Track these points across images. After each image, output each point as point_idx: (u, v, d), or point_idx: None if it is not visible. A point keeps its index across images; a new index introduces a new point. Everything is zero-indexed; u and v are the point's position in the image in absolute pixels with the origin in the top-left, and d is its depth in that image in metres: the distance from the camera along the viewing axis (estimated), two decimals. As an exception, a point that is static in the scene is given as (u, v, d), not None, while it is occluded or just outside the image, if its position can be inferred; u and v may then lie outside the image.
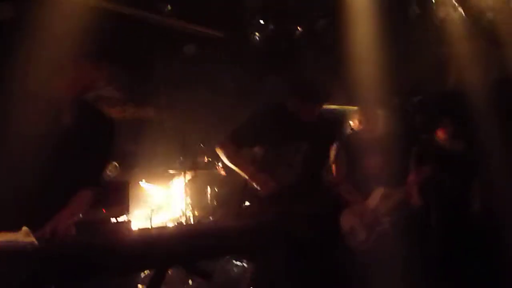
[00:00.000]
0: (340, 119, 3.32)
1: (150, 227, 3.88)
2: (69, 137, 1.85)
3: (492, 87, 3.82)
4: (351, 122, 5.92)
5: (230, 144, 2.82)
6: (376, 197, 3.30)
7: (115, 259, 1.46)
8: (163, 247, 1.63)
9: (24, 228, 1.31)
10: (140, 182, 4.51)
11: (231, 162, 2.82)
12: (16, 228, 1.32)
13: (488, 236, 3.30)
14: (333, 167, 3.60)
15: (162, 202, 4.33)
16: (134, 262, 1.56)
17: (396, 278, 2.94)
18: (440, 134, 3.72)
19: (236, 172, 2.86)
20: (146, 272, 3.51)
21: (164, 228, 3.19)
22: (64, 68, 1.83)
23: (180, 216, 4.26)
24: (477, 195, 3.49)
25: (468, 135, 3.68)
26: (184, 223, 4.03)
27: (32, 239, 1.30)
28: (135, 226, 4.04)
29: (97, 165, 1.98)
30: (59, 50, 1.82)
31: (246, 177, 2.77)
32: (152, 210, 4.21)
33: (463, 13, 3.97)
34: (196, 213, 4.08)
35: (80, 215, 1.91)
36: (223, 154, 2.83)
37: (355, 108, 5.59)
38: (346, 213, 3.30)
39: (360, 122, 4.07)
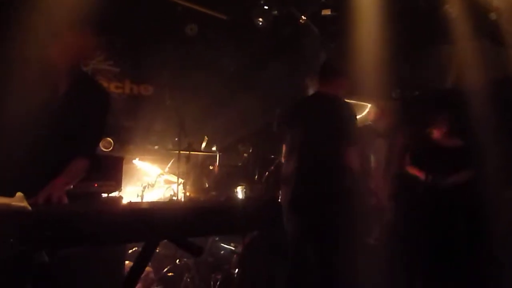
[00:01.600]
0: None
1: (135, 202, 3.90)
2: (64, 105, 1.84)
3: (492, 85, 3.83)
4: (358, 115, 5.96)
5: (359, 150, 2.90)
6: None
7: (105, 228, 1.47)
8: (155, 219, 1.64)
9: (18, 193, 1.31)
10: (133, 161, 4.51)
11: (358, 168, 2.83)
12: (9, 194, 1.32)
13: (482, 232, 3.37)
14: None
15: (154, 180, 4.33)
16: (123, 232, 1.56)
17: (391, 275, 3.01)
18: (436, 132, 3.74)
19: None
20: (134, 248, 3.58)
21: (156, 202, 3.21)
22: (61, 36, 1.81)
23: (171, 195, 4.28)
24: (474, 190, 3.52)
25: (464, 132, 3.69)
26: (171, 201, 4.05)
27: (25, 204, 1.30)
28: (126, 202, 4.06)
29: (91, 135, 1.98)
30: (55, 18, 1.80)
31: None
32: (144, 188, 4.22)
33: (467, 12, 3.97)
34: (188, 193, 4.09)
35: (74, 183, 1.91)
36: (357, 161, 2.82)
37: (360, 102, 5.64)
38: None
39: (375, 114, 4.11)
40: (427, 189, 3.42)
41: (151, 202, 3.73)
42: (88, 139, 1.96)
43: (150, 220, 1.57)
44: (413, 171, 3.71)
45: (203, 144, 4.49)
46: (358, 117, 4.63)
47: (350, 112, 2.85)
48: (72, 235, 1.34)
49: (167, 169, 4.34)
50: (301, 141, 2.89)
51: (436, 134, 3.70)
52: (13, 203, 1.27)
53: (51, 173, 1.80)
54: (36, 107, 1.75)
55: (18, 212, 1.26)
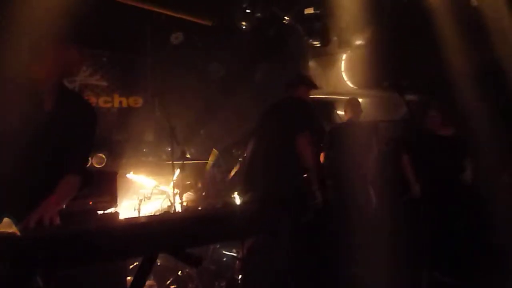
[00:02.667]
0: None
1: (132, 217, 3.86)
2: (50, 123, 1.81)
3: (478, 72, 3.85)
4: (339, 112, 5.98)
5: (310, 138, 3.06)
6: None
7: (101, 246, 1.44)
8: (151, 233, 1.62)
9: (6, 219, 1.28)
10: (127, 175, 4.47)
11: (309, 155, 3.02)
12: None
13: (481, 218, 3.39)
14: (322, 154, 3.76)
15: (150, 192, 4.30)
16: (121, 248, 1.53)
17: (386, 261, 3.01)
18: (429, 123, 3.73)
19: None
20: (136, 263, 3.53)
21: (152, 216, 3.18)
22: (44, 52, 1.78)
23: (169, 207, 4.24)
24: (469, 175, 3.54)
25: (456, 121, 3.70)
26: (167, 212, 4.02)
27: (14, 229, 1.27)
28: (123, 217, 4.02)
29: (80, 152, 1.94)
30: (38, 34, 1.77)
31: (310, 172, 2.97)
32: (140, 201, 4.18)
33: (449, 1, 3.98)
34: (185, 203, 4.06)
35: (66, 202, 1.87)
36: (307, 149, 3.02)
37: (342, 97, 5.66)
38: None
39: (345, 112, 4.17)
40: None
41: (146, 216, 3.69)
42: (77, 155, 1.92)
43: (146, 234, 1.54)
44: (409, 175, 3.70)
45: (211, 158, 4.52)
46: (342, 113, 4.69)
47: (304, 108, 3.19)
48: (65, 256, 1.31)
49: (172, 182, 4.29)
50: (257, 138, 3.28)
51: (431, 125, 3.69)
52: (1, 230, 1.24)
53: (41, 193, 1.76)
54: (22, 126, 1.72)
55: (7, 238, 1.23)
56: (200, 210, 3.14)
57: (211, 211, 2.40)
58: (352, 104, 4.45)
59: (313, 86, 3.45)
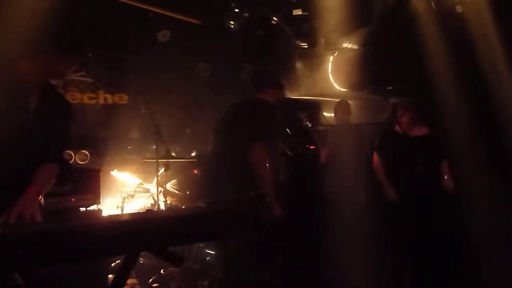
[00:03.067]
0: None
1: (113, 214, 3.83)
2: (34, 120, 1.80)
3: (461, 76, 3.90)
4: (325, 114, 6.03)
5: (264, 145, 2.82)
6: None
7: (82, 244, 1.43)
8: (133, 232, 1.61)
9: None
10: (111, 172, 4.42)
11: (264, 164, 2.81)
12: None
13: (462, 220, 3.41)
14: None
15: (133, 191, 4.26)
16: (102, 246, 1.52)
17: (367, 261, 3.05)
18: (398, 123, 3.53)
19: None
20: (118, 261, 3.51)
21: (134, 214, 3.16)
22: (34, 55, 1.77)
23: (152, 205, 4.21)
24: (447, 174, 3.49)
25: (432, 121, 3.67)
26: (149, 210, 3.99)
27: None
28: (105, 214, 3.98)
29: (55, 141, 1.93)
30: (30, 35, 1.76)
31: (264, 184, 2.78)
32: (124, 199, 4.14)
33: (433, 6, 4.04)
34: (168, 201, 4.04)
35: (46, 190, 1.84)
36: (260, 155, 2.81)
37: (328, 99, 5.69)
38: None
39: (335, 114, 4.16)
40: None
41: (128, 213, 3.66)
42: (53, 145, 1.91)
43: (128, 233, 1.54)
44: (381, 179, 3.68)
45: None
46: (333, 114, 4.70)
47: (264, 113, 2.95)
48: (46, 255, 1.29)
49: (155, 179, 4.27)
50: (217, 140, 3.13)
51: (400, 124, 3.47)
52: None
53: (21, 187, 1.74)
54: (6, 122, 1.70)
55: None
56: (184, 209, 3.12)
57: (194, 210, 2.39)
58: (342, 106, 4.50)
59: (281, 87, 3.21)
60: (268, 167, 2.83)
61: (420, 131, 3.59)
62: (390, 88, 3.52)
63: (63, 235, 1.40)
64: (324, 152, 4.31)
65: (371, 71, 4.38)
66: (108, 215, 3.32)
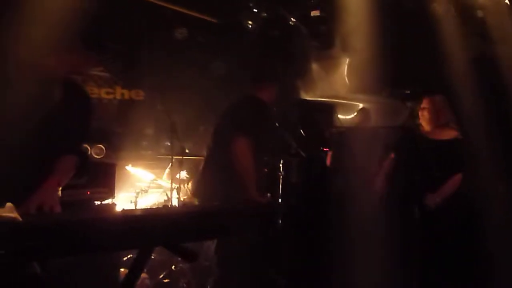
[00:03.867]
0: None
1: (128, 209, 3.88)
2: (55, 113, 1.84)
3: (478, 80, 3.85)
4: (340, 116, 6.00)
5: (248, 140, 2.69)
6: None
7: (98, 236, 1.46)
8: (148, 226, 1.63)
9: (8, 204, 1.30)
10: (126, 167, 4.47)
11: (246, 159, 2.68)
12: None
13: (478, 226, 3.34)
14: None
15: (148, 186, 4.31)
16: (117, 239, 1.55)
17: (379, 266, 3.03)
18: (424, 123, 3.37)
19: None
20: (130, 255, 3.55)
21: (148, 209, 3.20)
22: (55, 49, 1.82)
23: (165, 201, 4.25)
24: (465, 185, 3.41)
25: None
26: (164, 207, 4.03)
27: (15, 214, 1.29)
28: (119, 208, 4.03)
29: (75, 134, 1.96)
30: (49, 30, 1.80)
31: (247, 180, 2.69)
32: (138, 194, 4.19)
33: (453, 10, 4.00)
34: (182, 198, 4.07)
35: (66, 181, 1.88)
36: (242, 150, 2.68)
37: (343, 101, 5.67)
38: None
39: (356, 118, 4.11)
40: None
41: (143, 208, 3.70)
42: (72, 137, 1.95)
43: (143, 227, 1.56)
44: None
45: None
46: (348, 117, 4.68)
47: (252, 109, 2.84)
48: (63, 245, 1.32)
49: (165, 175, 4.31)
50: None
51: (425, 126, 3.32)
52: (3, 214, 1.26)
53: (42, 178, 1.78)
54: (30, 112, 1.75)
55: (8, 223, 1.24)
56: (197, 206, 3.14)
57: (208, 207, 2.41)
58: (365, 113, 4.58)
59: (277, 84, 3.07)
60: (251, 165, 2.67)
61: (445, 134, 3.33)
62: (408, 92, 3.48)
63: (79, 227, 1.43)
64: (328, 155, 4.30)
65: (389, 74, 4.35)
66: (124, 209, 3.37)
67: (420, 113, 3.33)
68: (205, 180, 2.93)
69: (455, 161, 3.27)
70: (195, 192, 3.07)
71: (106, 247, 1.54)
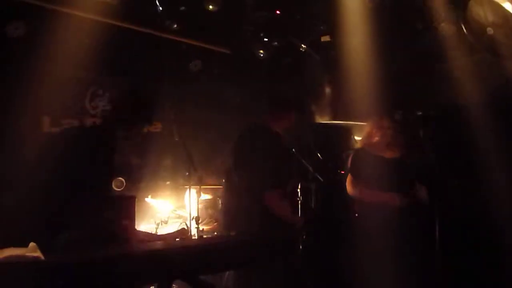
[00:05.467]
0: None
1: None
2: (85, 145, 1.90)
3: (492, 100, 3.82)
4: (356, 137, 5.98)
5: (274, 192, 2.73)
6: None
7: (118, 272, 1.49)
8: (167, 260, 1.66)
9: (31, 244, 1.35)
10: (146, 199, 4.54)
11: (279, 208, 2.73)
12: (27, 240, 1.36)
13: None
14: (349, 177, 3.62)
15: (167, 216, 4.35)
16: (137, 275, 1.58)
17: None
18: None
19: None
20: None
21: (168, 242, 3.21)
22: (75, 81, 1.91)
23: (184, 231, 4.27)
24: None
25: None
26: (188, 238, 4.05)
27: (38, 253, 1.34)
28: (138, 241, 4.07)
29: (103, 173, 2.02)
30: (69, 63, 1.90)
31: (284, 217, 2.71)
32: (158, 225, 4.23)
33: (464, 29, 4.02)
34: (201, 228, 4.09)
35: None
36: (272, 203, 2.72)
37: (359, 123, 5.64)
38: None
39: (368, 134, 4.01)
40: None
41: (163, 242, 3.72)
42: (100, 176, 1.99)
43: (161, 261, 1.59)
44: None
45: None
46: (359, 138, 4.64)
47: (269, 147, 2.80)
48: (84, 282, 1.36)
49: (186, 205, 4.32)
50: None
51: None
52: (27, 254, 1.31)
53: (65, 218, 1.83)
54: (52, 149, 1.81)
55: (32, 263, 1.29)
56: (215, 237, 3.15)
57: (225, 239, 2.42)
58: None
59: (302, 111, 3.15)
60: (284, 208, 2.72)
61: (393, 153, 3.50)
62: (420, 113, 3.48)
63: (101, 264, 1.47)
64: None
65: (399, 97, 4.36)
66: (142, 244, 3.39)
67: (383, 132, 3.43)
68: (236, 212, 2.89)
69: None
70: (225, 224, 3.03)
71: (128, 284, 1.57)
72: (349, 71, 5.43)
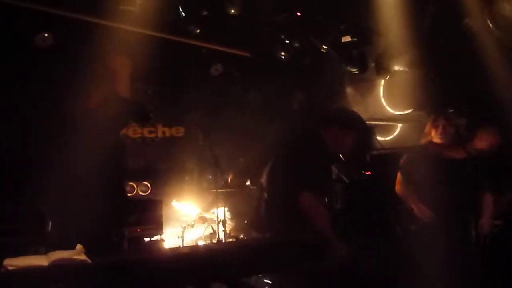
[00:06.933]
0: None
1: (181, 246, 3.94)
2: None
3: None
4: (378, 137, 5.90)
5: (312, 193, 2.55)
6: (488, 203, 3.23)
7: (160, 273, 1.50)
8: (203, 264, 1.66)
9: (78, 246, 1.37)
10: (172, 202, 4.58)
11: (314, 214, 2.54)
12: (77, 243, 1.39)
13: None
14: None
15: (193, 220, 4.38)
16: (175, 277, 1.59)
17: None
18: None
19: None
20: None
21: (203, 246, 3.22)
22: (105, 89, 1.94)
23: (211, 234, 4.30)
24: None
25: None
26: (215, 242, 4.06)
27: (84, 257, 1.36)
28: (167, 244, 4.11)
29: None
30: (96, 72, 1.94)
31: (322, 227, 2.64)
32: (184, 228, 4.26)
33: (490, 24, 3.93)
34: (228, 231, 4.10)
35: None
36: (308, 205, 2.52)
37: (381, 123, 5.57)
38: None
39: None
40: None
41: (197, 245, 3.73)
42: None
43: (201, 264, 1.60)
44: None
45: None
46: (387, 138, 4.50)
47: (315, 155, 2.62)
48: (124, 285, 1.37)
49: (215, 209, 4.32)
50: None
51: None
52: (74, 256, 1.33)
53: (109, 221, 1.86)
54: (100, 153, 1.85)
55: (79, 265, 1.31)
56: (247, 240, 3.14)
57: (261, 241, 2.41)
58: None
59: (347, 127, 2.78)
60: (322, 215, 2.54)
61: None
62: (452, 110, 3.37)
63: (141, 266, 1.48)
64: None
65: (429, 93, 4.27)
66: (174, 247, 3.43)
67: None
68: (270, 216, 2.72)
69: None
70: (258, 227, 2.91)
71: (167, 284, 1.58)
72: (372, 69, 5.40)
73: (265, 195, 2.74)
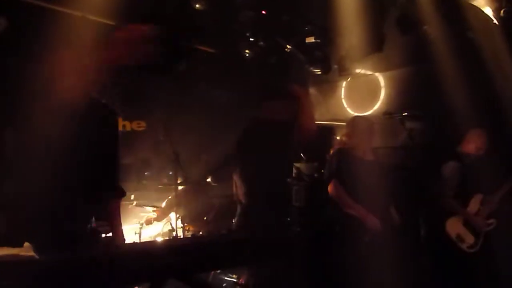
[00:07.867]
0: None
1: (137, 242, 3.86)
2: (81, 140, 1.84)
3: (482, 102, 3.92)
4: (337, 137, 6.03)
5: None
6: (476, 202, 3.49)
7: (108, 272, 1.47)
8: (158, 260, 1.64)
9: (26, 243, 1.32)
10: (130, 198, 4.48)
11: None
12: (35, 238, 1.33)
13: None
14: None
15: (151, 216, 4.31)
16: (128, 274, 1.56)
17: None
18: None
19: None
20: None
21: (154, 242, 3.18)
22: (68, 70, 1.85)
23: (170, 231, 4.24)
24: None
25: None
26: (173, 238, 4.02)
27: (31, 253, 1.31)
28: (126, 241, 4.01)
29: (112, 168, 1.97)
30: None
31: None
32: (142, 225, 4.19)
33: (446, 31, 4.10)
34: (187, 227, 4.06)
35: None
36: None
37: (341, 124, 5.70)
38: (450, 222, 3.49)
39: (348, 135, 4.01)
40: None
41: (153, 241, 3.68)
42: (110, 172, 1.94)
43: (154, 260, 1.57)
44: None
45: None
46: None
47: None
48: (77, 283, 1.33)
49: (163, 204, 4.31)
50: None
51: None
52: (21, 253, 1.28)
53: (63, 217, 1.78)
54: (55, 145, 1.75)
55: (25, 262, 1.26)
56: (205, 236, 3.14)
57: (218, 237, 2.42)
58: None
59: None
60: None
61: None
62: (406, 113, 3.51)
63: (96, 263, 1.44)
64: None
65: (386, 97, 4.42)
66: (133, 242, 3.36)
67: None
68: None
69: None
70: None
71: (120, 283, 1.54)
72: (334, 71, 5.49)
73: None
